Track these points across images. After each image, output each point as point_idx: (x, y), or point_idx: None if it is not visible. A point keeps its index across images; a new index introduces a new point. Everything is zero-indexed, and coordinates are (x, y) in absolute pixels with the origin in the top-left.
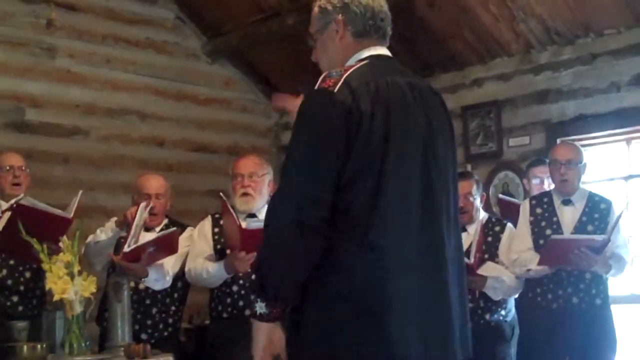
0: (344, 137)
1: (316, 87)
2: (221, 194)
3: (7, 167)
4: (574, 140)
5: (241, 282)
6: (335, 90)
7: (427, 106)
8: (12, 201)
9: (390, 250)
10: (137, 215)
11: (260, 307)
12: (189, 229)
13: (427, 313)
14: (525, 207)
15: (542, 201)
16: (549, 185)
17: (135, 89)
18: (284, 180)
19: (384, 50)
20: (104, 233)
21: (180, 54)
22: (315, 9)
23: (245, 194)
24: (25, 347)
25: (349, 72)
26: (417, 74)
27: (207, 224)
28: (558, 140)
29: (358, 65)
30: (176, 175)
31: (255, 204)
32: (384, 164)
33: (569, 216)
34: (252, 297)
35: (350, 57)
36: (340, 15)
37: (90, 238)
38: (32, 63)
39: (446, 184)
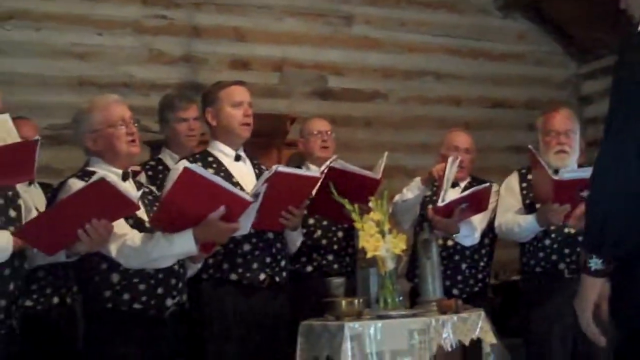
0: None
1: None
2: (530, 146)
3: (316, 132)
4: None
5: (553, 235)
6: None
7: None
8: (325, 165)
9: None
10: (447, 169)
11: (595, 264)
12: (493, 184)
13: None
14: None
15: None
16: None
17: (429, 50)
18: (617, 132)
19: None
20: (410, 191)
21: (471, 11)
22: None
23: (561, 151)
24: (343, 302)
25: None
26: None
27: (513, 179)
28: None
29: None
30: (474, 133)
31: (570, 161)
32: None
33: None
34: (585, 252)
35: None
36: None
37: (397, 197)
38: (331, 32)
39: None
